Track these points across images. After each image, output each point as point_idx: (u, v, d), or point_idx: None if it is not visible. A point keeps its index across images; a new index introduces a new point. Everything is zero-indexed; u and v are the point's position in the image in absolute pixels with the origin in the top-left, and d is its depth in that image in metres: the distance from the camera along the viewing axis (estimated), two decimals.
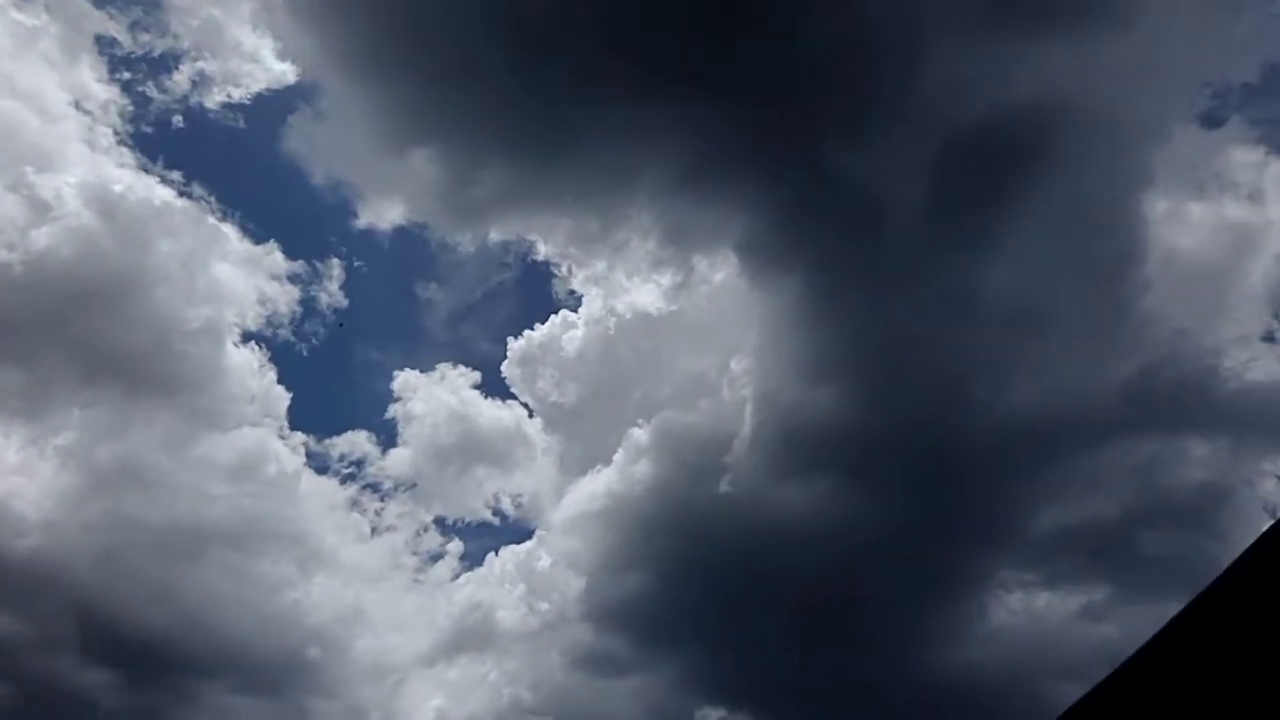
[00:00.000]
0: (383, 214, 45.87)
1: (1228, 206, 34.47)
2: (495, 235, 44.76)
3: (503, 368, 43.76)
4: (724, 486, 33.93)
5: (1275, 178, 34.30)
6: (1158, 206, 34.25)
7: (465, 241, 46.60)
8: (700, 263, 38.88)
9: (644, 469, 36.55)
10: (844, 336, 33.02)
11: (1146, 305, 32.40)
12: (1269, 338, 33.94)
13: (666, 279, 40.23)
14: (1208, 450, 32.81)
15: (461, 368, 44.98)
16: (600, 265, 43.30)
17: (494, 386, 52.21)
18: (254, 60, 42.84)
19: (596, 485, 38.04)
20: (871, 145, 32.56)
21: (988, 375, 31.37)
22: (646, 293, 41.59)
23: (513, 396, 43.89)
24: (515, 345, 43.60)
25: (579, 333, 42.60)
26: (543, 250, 45.75)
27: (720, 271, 38.93)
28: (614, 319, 42.55)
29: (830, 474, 33.38)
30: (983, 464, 31.28)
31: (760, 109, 33.96)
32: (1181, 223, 34.33)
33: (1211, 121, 35.21)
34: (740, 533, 32.99)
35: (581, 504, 38.16)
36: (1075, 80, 31.66)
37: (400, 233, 49.36)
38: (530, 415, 43.56)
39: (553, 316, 46.52)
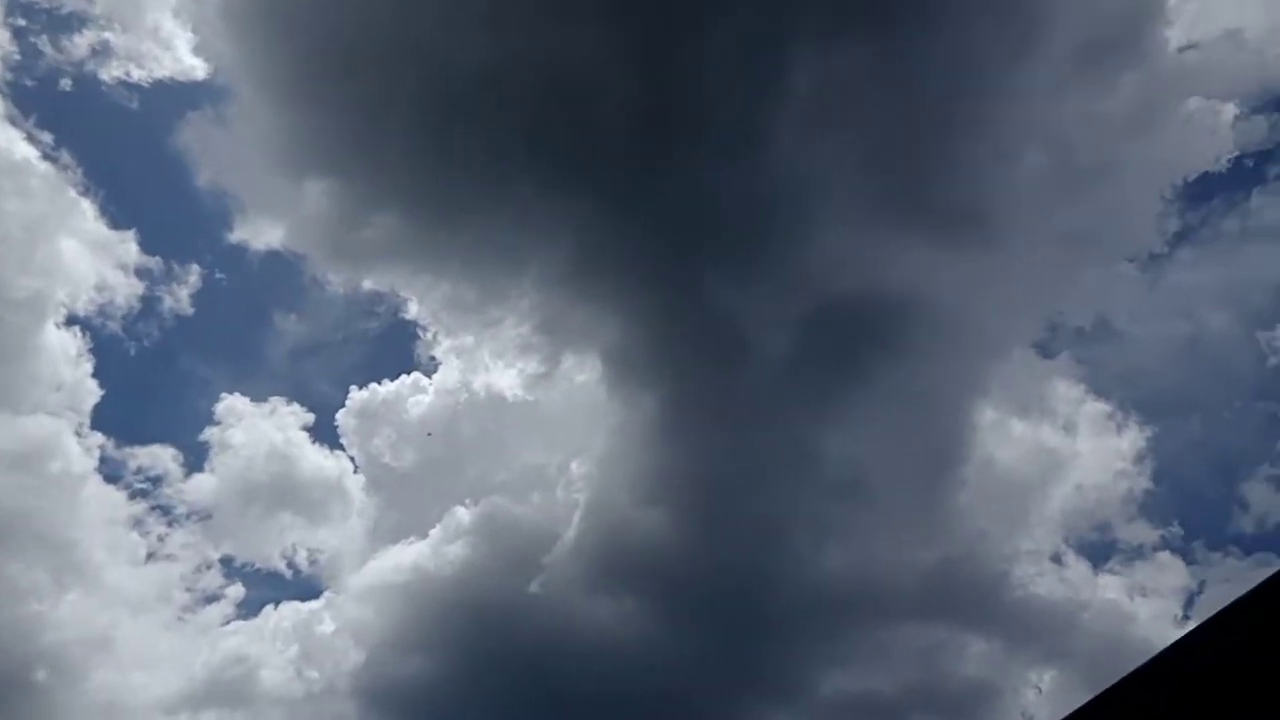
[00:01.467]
0: (260, 234, 42.85)
1: (1045, 431, 37.21)
2: (370, 283, 42.40)
3: (338, 415, 41.52)
4: (535, 587, 33.25)
5: (1089, 415, 37.77)
6: (986, 415, 36.32)
7: (338, 282, 43.90)
8: (568, 360, 38.06)
9: (458, 551, 35.33)
10: (685, 465, 33.00)
11: (959, 502, 33.84)
12: (1056, 559, 36.06)
13: (530, 367, 38.96)
14: (985, 649, 34.20)
15: (296, 406, 42.33)
16: (468, 338, 41.58)
17: (325, 434, 48.64)
18: (166, 47, 39.67)
19: (405, 557, 36.42)
20: (750, 291, 33.14)
21: (808, 533, 32.06)
22: (507, 376, 40.10)
23: (341, 448, 41.55)
24: (357, 395, 41.31)
25: (427, 399, 40.90)
26: (414, 310, 43.46)
27: (584, 374, 38.15)
28: (467, 394, 41.03)
29: (642, 597, 33.30)
30: (787, 616, 31.86)
31: (655, 227, 34.22)
32: (1002, 435, 36.90)
33: (1046, 352, 38.10)
34: (540, 637, 32.31)
35: (384, 573, 36.43)
36: (940, 284, 33.30)
37: (273, 257, 46.41)
38: (355, 471, 41.26)
39: (404, 376, 43.48)
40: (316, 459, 41.69)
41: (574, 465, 36.15)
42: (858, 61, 32.41)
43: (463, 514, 36.21)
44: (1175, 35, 35.28)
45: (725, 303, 33.98)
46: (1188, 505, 41.17)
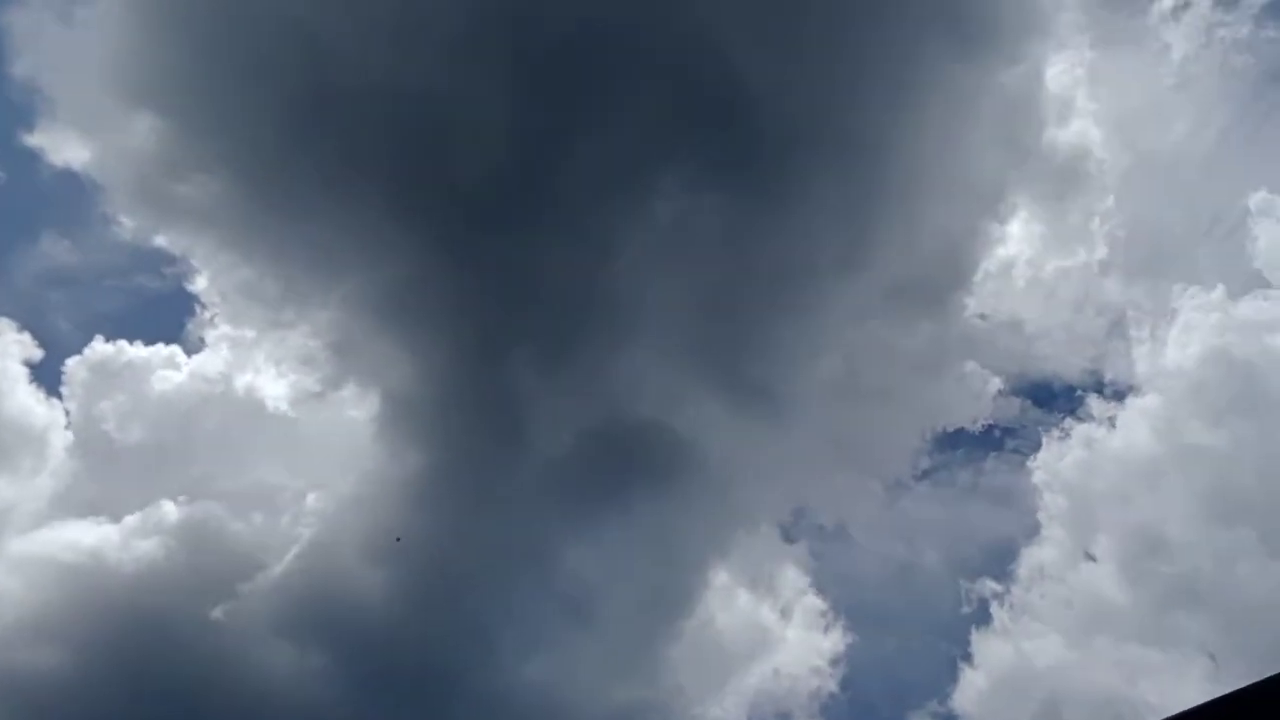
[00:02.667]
0: (63, 148, 38.07)
1: (764, 609, 38.46)
2: (164, 241, 38.96)
3: (69, 361, 37.12)
4: (219, 612, 30.39)
5: (805, 607, 39.62)
6: (719, 576, 37.18)
7: (130, 228, 39.89)
8: (348, 388, 36.16)
9: (149, 547, 31.74)
10: (426, 533, 31.99)
11: (669, 652, 33.90)
12: None
13: (306, 383, 36.58)
14: None
15: (26, 336, 37.46)
16: (250, 332, 38.31)
17: (47, 376, 42.91)
18: None
19: (87, 536, 32.30)
20: (550, 383, 33.52)
21: (519, 638, 31.56)
22: (277, 385, 37.26)
23: (60, 397, 36.87)
24: (100, 348, 37.20)
25: (178, 378, 37.32)
26: (201, 284, 39.91)
27: (359, 409, 36.30)
28: (224, 388, 37.74)
29: (330, 655, 31.06)
30: (469, 713, 30.97)
31: (482, 289, 34.24)
32: (728, 601, 38.02)
33: (787, 535, 40.49)
34: (202, 667, 29.28)
35: (55, 546, 32.05)
36: (720, 442, 34.69)
37: (68, 177, 41.02)
38: (66, 426, 36.52)
39: (162, 346, 39.04)
40: (27, 399, 36.80)
41: (311, 497, 33.99)
42: (718, 213, 34.48)
43: (169, 509, 32.82)
44: (972, 304, 39.45)
45: (522, 386, 34.07)
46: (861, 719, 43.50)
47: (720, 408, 35.28)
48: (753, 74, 32.61)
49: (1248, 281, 32.13)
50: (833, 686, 37.35)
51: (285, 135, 33.36)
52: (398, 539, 32.66)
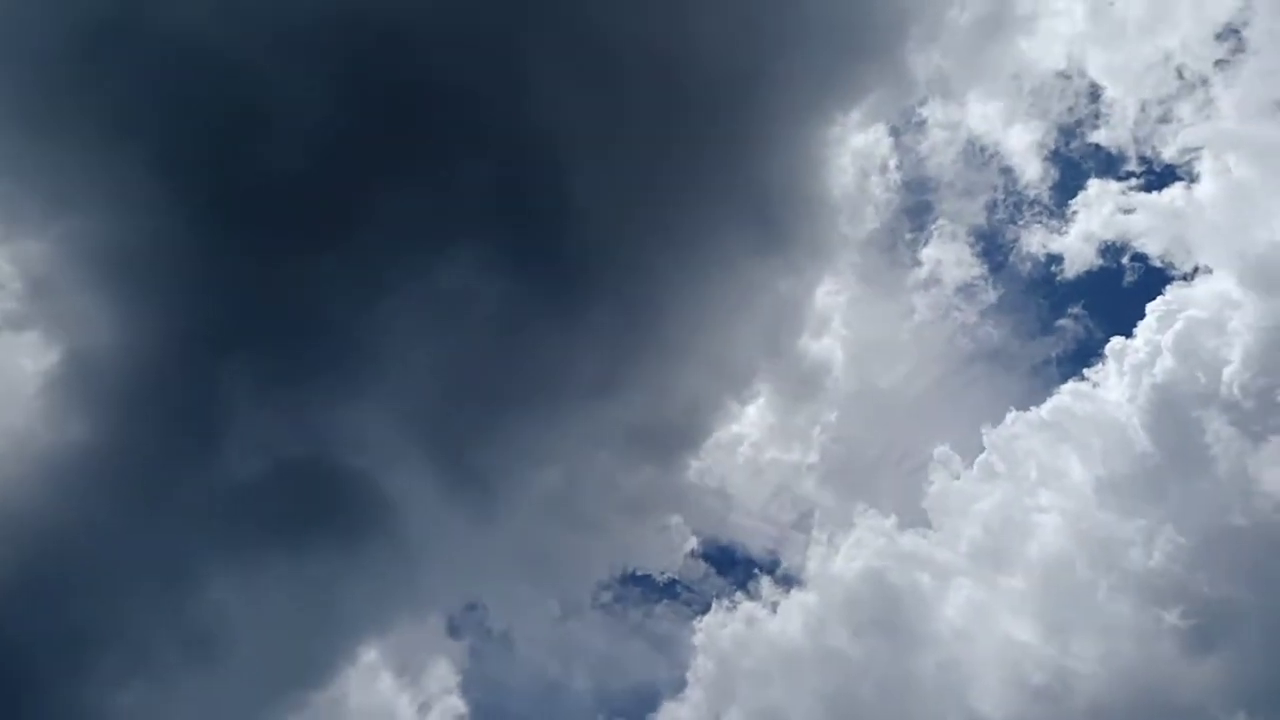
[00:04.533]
0: None
1: (404, 699, 36.42)
2: None
3: None
4: None
5: (446, 707, 37.16)
6: (369, 654, 35.17)
7: None
8: (31, 334, 32.06)
9: None
10: (55, 516, 28.48)
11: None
12: None
13: None
14: None
15: None
16: None
17: None
18: None
19: None
20: (260, 398, 31.67)
21: (125, 661, 28.11)
22: None
23: None
24: None
25: None
26: None
27: (33, 358, 32.08)
28: None
29: None
30: None
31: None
32: (368, 681, 35.80)
33: (453, 630, 39.76)
34: None
35: None
36: (416, 523, 33.48)
37: None
38: None
39: None
40: None
41: None
42: (500, 299, 34.61)
43: None
44: (695, 466, 40.45)
45: (233, 395, 31.89)
46: None
47: (433, 485, 34.42)
48: (581, 178, 34.05)
49: (915, 519, 36.50)
50: None
51: (77, 62, 30.33)
52: None
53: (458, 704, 37.78)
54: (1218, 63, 37.59)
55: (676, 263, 36.28)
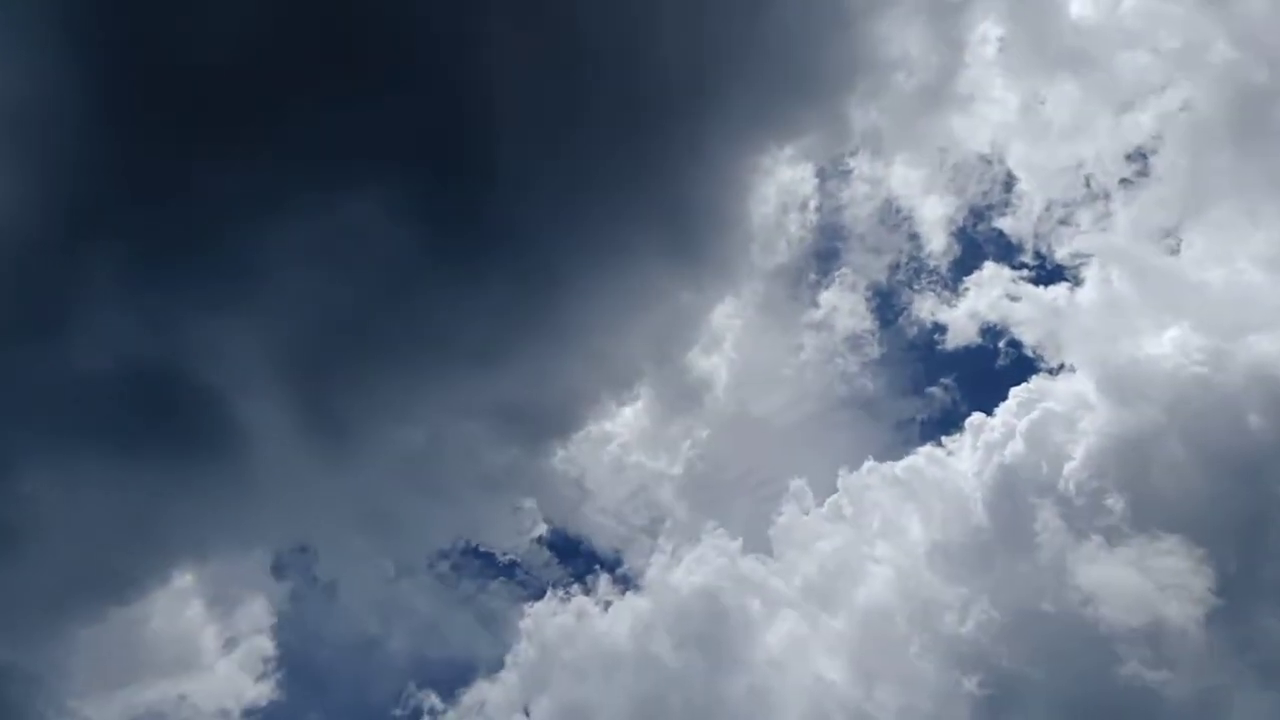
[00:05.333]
0: None
1: (210, 631, 35.69)
2: None
3: None
4: None
5: (253, 647, 36.41)
6: (183, 579, 34.46)
7: None
8: None
9: None
10: None
11: (77, 631, 30.59)
12: None
13: None
14: None
15: None
16: None
17: None
18: None
19: None
20: (122, 290, 30.03)
21: None
22: None
23: None
24: None
25: None
26: None
27: None
28: None
29: None
30: None
31: None
32: (176, 606, 34.82)
33: (279, 569, 38.45)
34: None
35: None
36: (260, 453, 32.82)
37: None
38: None
39: None
40: None
41: None
42: (416, 243, 33.69)
43: None
44: (561, 455, 40.67)
45: (93, 282, 30.14)
46: None
47: (288, 418, 33.36)
48: (509, 143, 33.56)
49: (759, 545, 37.35)
50: None
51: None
52: None
53: (266, 645, 36.59)
54: (1123, 181, 39.95)
55: (583, 249, 36.20)
